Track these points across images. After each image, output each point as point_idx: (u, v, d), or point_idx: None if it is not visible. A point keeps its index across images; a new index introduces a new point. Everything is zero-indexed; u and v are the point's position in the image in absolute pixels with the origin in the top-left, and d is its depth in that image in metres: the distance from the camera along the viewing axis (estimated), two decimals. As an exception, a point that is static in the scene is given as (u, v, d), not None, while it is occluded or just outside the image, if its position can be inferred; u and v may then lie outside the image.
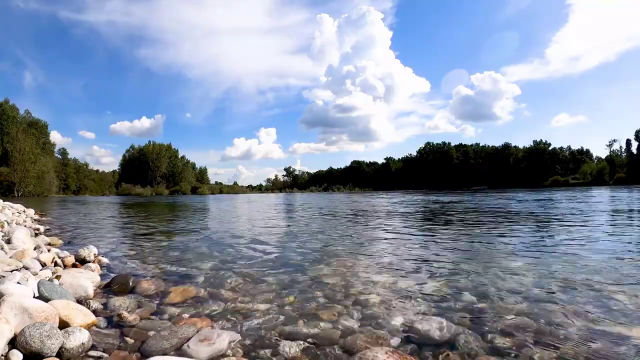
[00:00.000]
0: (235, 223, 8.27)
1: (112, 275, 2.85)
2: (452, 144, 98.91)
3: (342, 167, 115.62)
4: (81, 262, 3.28)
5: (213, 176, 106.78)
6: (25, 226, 5.90)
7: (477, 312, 2.04)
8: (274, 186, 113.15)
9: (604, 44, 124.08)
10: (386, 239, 5.15)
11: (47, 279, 2.34)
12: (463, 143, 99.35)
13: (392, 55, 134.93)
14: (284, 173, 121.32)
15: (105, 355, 1.54)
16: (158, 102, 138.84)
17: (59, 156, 72.16)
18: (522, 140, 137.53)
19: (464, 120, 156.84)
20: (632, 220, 6.70)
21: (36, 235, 5.26)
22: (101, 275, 2.86)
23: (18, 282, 2.06)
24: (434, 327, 1.79)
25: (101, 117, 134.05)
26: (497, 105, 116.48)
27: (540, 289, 2.42)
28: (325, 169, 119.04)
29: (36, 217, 9.20)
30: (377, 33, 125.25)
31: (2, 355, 1.39)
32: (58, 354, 1.46)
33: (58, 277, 2.46)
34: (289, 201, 24.30)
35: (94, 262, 3.30)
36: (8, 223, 5.52)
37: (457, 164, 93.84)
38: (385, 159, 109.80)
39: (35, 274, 2.50)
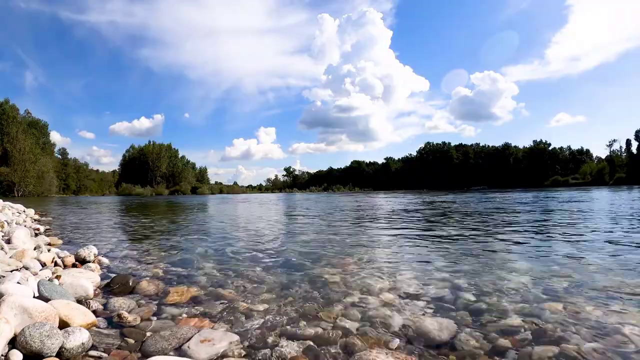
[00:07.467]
0: (235, 223, 8.27)
1: (112, 275, 2.85)
2: (452, 144, 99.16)
3: (342, 167, 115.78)
4: (81, 262, 3.28)
5: (213, 176, 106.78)
6: (25, 226, 5.90)
7: (477, 312, 2.04)
8: (273, 186, 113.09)
9: (604, 44, 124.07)
10: (386, 239, 5.15)
11: (47, 279, 2.34)
12: (463, 143, 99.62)
13: (392, 55, 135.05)
14: (284, 173, 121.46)
15: (105, 355, 1.54)
16: (158, 102, 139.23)
17: (59, 156, 72.25)
18: (522, 140, 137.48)
19: (464, 120, 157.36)
20: (632, 220, 6.69)
21: (36, 235, 5.26)
22: (101, 276, 2.86)
23: (18, 282, 2.06)
24: (434, 327, 1.79)
25: (101, 117, 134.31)
26: (496, 105, 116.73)
27: (541, 289, 2.42)
28: (325, 169, 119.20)
29: (36, 217, 9.20)
30: (377, 33, 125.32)
31: (2, 355, 1.39)
32: (58, 354, 1.46)
33: (58, 277, 2.45)
34: (289, 201, 24.29)
35: (94, 262, 3.30)
36: (8, 223, 5.51)
37: (457, 164, 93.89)
38: (385, 159, 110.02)
39: (35, 274, 2.50)
